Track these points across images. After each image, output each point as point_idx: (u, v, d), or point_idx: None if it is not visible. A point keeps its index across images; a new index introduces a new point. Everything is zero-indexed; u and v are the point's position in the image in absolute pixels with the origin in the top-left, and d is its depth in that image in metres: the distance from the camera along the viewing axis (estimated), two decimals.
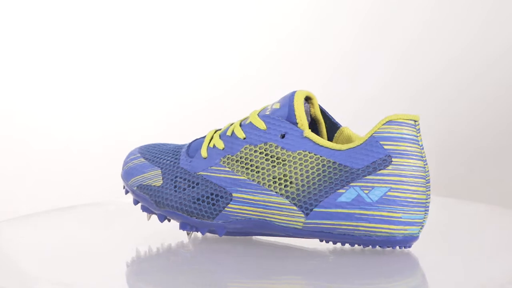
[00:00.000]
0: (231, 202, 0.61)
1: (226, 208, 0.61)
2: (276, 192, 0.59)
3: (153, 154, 0.65)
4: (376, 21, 1.37)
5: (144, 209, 0.64)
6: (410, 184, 0.58)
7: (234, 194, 0.61)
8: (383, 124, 0.59)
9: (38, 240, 0.68)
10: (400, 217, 0.58)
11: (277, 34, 1.36)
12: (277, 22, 1.36)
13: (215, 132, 0.65)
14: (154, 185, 0.63)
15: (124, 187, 0.66)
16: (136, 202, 0.65)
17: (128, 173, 0.65)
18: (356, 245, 0.60)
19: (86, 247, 0.65)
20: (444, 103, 1.36)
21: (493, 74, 1.34)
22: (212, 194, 0.61)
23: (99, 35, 1.30)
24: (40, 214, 0.80)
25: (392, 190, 0.58)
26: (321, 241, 0.61)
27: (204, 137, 0.65)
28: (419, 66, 1.36)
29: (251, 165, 0.60)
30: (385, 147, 0.58)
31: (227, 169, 0.61)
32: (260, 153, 0.60)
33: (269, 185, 0.60)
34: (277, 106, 0.62)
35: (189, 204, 0.62)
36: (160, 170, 0.63)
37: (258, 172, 0.60)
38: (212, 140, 0.63)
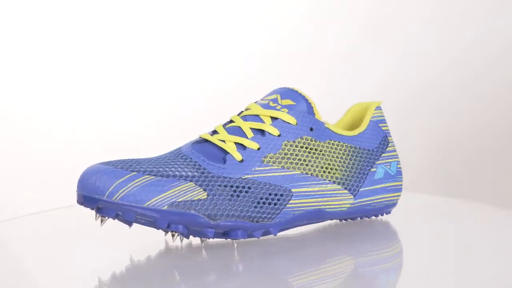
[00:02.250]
0: (292, 198, 0.62)
1: (287, 205, 0.62)
2: (329, 180, 0.64)
3: (156, 168, 0.59)
4: (376, 21, 1.37)
5: (182, 229, 0.58)
6: (398, 156, 0.71)
7: (293, 190, 0.62)
8: (375, 109, 0.70)
9: (38, 240, 0.68)
10: (402, 184, 0.71)
11: (277, 34, 1.36)
12: (277, 22, 1.36)
13: (212, 133, 0.64)
14: (198, 199, 0.58)
15: (116, 215, 0.58)
16: (166, 225, 0.57)
17: (138, 194, 0.56)
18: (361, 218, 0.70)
19: (86, 247, 0.65)
20: (444, 103, 1.36)
21: (493, 74, 1.34)
22: (270, 194, 0.61)
23: (99, 35, 1.30)
24: (40, 214, 0.80)
25: (398, 163, 0.70)
26: (340, 220, 0.69)
27: (204, 141, 0.63)
28: (419, 66, 1.36)
29: (298, 159, 0.63)
30: (383, 128, 0.70)
31: (275, 167, 0.62)
32: (300, 147, 0.63)
33: (321, 175, 0.64)
34: (290, 102, 0.64)
35: (251, 209, 0.60)
36: (191, 183, 0.58)
37: (307, 165, 0.63)
38: (231, 142, 0.62)
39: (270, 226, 0.61)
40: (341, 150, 0.66)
